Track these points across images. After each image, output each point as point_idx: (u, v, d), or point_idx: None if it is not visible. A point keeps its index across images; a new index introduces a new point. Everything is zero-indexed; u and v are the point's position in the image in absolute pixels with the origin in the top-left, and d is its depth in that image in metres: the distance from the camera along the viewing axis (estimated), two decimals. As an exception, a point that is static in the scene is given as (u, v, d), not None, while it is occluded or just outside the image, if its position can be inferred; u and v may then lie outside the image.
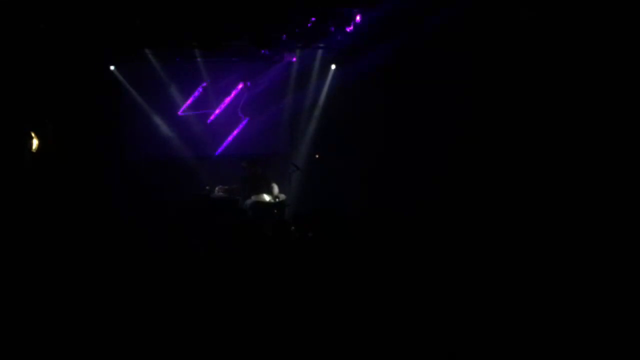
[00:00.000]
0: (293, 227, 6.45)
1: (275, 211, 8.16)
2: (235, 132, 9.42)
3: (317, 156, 9.44)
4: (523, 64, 7.24)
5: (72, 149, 8.38)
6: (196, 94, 9.32)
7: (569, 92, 6.75)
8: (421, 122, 8.42)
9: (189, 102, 9.31)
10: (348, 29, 8.21)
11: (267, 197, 8.25)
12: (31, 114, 7.89)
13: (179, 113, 9.28)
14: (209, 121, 9.37)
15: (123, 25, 7.67)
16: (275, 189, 8.39)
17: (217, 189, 8.38)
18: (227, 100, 9.39)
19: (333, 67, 9.37)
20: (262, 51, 8.87)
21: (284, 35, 8.44)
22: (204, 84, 9.29)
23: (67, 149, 8.34)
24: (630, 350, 3.41)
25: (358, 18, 7.99)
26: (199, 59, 9.06)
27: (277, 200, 8.27)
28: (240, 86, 9.31)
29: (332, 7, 7.76)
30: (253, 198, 8.26)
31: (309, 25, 8.14)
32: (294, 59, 9.33)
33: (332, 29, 8.34)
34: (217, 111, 9.36)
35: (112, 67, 8.91)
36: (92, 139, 8.54)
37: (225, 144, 9.41)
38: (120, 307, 3.99)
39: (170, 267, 4.79)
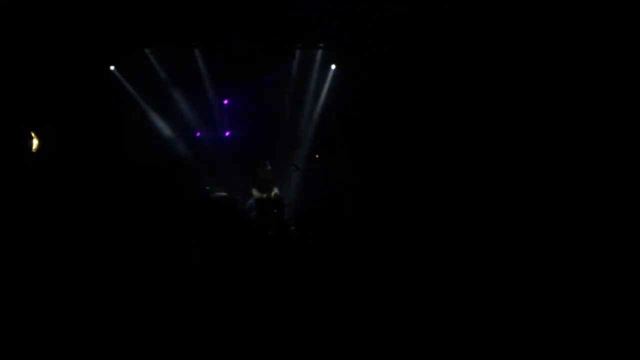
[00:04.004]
0: (293, 227, 6.45)
1: (275, 211, 8.17)
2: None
3: (317, 156, 9.44)
4: (525, 64, 7.25)
5: (72, 149, 8.37)
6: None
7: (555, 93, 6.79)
8: (421, 122, 8.42)
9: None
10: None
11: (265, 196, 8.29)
12: (31, 114, 7.89)
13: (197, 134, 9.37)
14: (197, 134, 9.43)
15: (123, 25, 7.67)
16: (276, 190, 8.42)
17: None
18: (225, 101, 9.45)
19: (333, 67, 9.37)
20: (262, 51, 8.85)
21: (284, 36, 8.44)
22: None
23: (67, 149, 8.33)
24: (630, 350, 3.41)
25: None
26: (199, 59, 9.07)
27: (276, 196, 8.28)
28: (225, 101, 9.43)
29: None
30: (254, 197, 8.28)
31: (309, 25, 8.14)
32: (294, 59, 9.33)
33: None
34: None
35: (112, 67, 8.92)
36: (92, 139, 8.54)
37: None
38: (120, 307, 3.99)
39: (170, 267, 4.79)
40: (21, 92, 7.66)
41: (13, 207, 6.88)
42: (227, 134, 9.45)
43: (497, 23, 7.40)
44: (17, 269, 4.76)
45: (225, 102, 9.38)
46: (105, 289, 4.31)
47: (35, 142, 7.97)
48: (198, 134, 9.40)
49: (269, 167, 8.50)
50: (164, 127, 9.25)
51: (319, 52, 9.30)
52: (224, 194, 8.40)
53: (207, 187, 8.50)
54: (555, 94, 6.98)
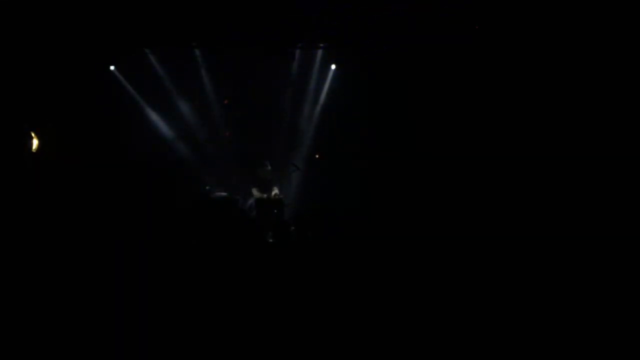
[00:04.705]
0: (293, 227, 6.45)
1: (275, 211, 8.17)
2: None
3: (317, 156, 9.43)
4: (525, 64, 7.25)
5: (72, 149, 8.37)
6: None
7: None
8: (421, 122, 8.42)
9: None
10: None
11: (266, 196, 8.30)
12: (31, 114, 7.89)
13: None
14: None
15: (123, 25, 7.67)
16: (276, 190, 8.42)
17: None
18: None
19: (333, 67, 9.36)
20: (262, 51, 8.84)
21: (284, 36, 8.44)
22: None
23: (67, 149, 8.33)
24: (630, 350, 3.41)
25: None
26: (199, 59, 9.07)
27: (276, 196, 8.28)
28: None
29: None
30: (254, 197, 8.29)
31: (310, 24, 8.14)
32: (294, 59, 9.32)
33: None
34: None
35: (112, 67, 8.92)
36: (92, 139, 8.54)
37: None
38: (120, 308, 3.99)
39: (170, 267, 4.79)
40: (21, 92, 7.66)
41: (13, 207, 6.89)
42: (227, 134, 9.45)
43: (497, 23, 7.40)
44: (17, 269, 4.76)
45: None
46: (105, 289, 4.31)
47: (35, 142, 7.97)
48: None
49: (269, 167, 8.50)
50: (164, 127, 9.25)
51: (319, 52, 9.29)
52: (224, 194, 8.40)
53: (207, 187, 8.49)
54: (555, 94, 6.99)
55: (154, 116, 9.21)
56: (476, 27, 7.61)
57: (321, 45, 9.12)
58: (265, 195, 8.31)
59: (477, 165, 7.73)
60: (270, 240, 6.62)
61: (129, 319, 3.85)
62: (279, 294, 4.19)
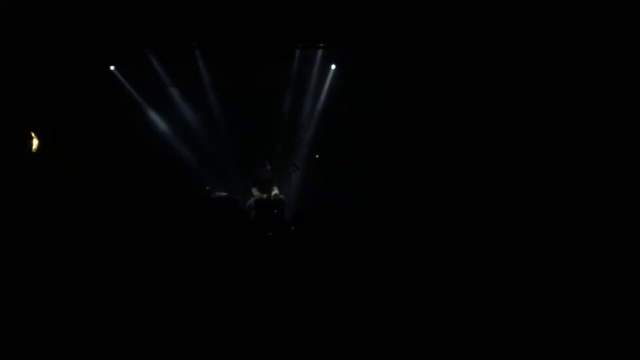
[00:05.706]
0: (293, 227, 6.45)
1: (275, 211, 8.17)
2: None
3: (317, 156, 9.43)
4: (525, 64, 7.26)
5: (72, 149, 8.38)
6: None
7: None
8: (421, 122, 8.42)
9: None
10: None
11: (265, 196, 8.31)
12: (31, 114, 7.90)
13: None
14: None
15: (123, 25, 7.68)
16: (276, 190, 8.42)
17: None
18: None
19: (333, 67, 9.36)
20: (262, 51, 8.85)
21: (284, 36, 8.45)
22: None
23: (67, 149, 8.34)
24: (630, 350, 3.41)
25: None
26: (199, 59, 9.07)
27: (276, 196, 8.29)
28: None
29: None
30: (254, 198, 8.29)
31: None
32: (294, 59, 9.32)
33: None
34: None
35: (112, 67, 8.92)
36: (92, 139, 8.54)
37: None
38: (121, 308, 4.00)
39: (170, 267, 4.79)
40: (21, 92, 7.67)
41: (13, 207, 6.89)
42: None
43: (496, 23, 7.41)
44: (17, 269, 4.76)
45: None
46: (105, 289, 4.31)
47: (35, 142, 7.98)
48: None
49: (269, 167, 8.50)
50: (163, 127, 9.25)
51: (319, 52, 9.29)
52: (224, 194, 8.41)
53: (207, 187, 8.50)
54: (555, 94, 6.99)
55: (154, 116, 9.22)
56: (476, 27, 7.61)
57: (321, 45, 9.13)
58: (265, 195, 8.31)
59: (477, 164, 7.74)
60: (270, 240, 6.62)
61: (129, 319, 3.85)
62: (278, 294, 4.19)
